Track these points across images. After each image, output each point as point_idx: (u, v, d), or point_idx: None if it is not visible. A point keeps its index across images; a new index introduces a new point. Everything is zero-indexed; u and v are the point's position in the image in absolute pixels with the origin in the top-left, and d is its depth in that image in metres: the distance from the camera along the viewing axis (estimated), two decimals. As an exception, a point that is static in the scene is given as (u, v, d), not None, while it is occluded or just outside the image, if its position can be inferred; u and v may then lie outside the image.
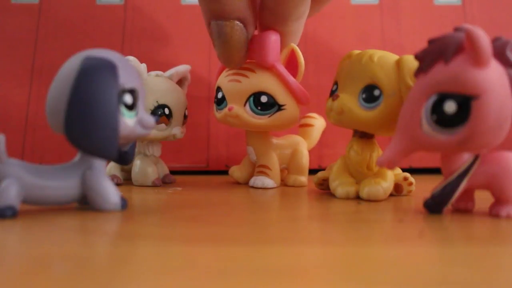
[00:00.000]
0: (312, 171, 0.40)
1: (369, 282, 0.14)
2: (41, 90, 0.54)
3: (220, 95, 0.37)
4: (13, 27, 0.56)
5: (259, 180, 0.37)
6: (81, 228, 0.22)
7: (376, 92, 0.29)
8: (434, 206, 0.23)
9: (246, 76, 0.35)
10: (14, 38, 0.55)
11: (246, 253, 0.17)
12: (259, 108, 0.35)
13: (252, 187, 0.37)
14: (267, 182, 0.37)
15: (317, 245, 0.18)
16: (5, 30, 0.55)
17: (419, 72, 0.23)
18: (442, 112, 0.21)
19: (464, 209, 0.25)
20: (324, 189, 0.36)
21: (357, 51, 0.34)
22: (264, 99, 0.35)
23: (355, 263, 0.16)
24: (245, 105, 0.35)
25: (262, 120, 0.35)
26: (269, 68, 0.35)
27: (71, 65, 0.24)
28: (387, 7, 0.58)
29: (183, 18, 0.57)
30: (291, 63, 0.36)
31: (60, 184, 0.24)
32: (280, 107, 0.35)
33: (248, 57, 0.35)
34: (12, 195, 0.23)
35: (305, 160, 0.40)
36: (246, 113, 0.35)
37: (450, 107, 0.21)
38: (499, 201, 0.23)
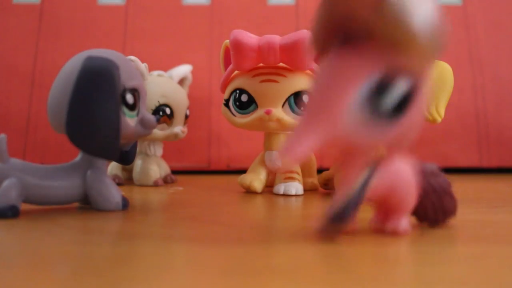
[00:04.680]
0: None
1: (370, 282, 0.14)
2: (43, 90, 0.54)
3: (244, 97, 0.33)
4: (14, 27, 0.56)
5: (291, 187, 0.33)
6: (83, 227, 0.22)
7: None
8: (337, 221, 0.18)
9: (284, 76, 0.32)
10: (15, 38, 0.55)
11: (247, 253, 0.17)
12: (302, 108, 0.32)
13: (283, 194, 0.33)
14: (300, 188, 0.33)
15: (319, 245, 0.18)
16: (7, 30, 0.56)
17: (342, 44, 0.17)
18: (383, 99, 0.16)
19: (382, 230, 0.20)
20: (329, 189, 0.35)
21: None
22: (306, 98, 0.32)
23: (356, 263, 0.16)
24: (282, 106, 0.32)
25: None
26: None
27: (72, 65, 0.24)
28: (388, 7, 0.58)
29: (184, 19, 0.57)
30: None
31: (62, 184, 0.24)
32: None
33: (280, 60, 0.32)
34: (13, 195, 0.23)
35: (314, 162, 0.39)
36: (286, 115, 0.32)
37: (394, 94, 0.16)
38: (392, 213, 0.19)
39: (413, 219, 0.20)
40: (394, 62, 0.16)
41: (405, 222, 0.19)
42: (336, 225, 0.18)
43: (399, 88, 0.16)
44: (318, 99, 0.17)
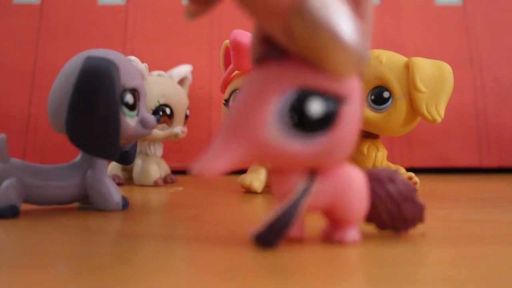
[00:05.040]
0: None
1: (370, 282, 0.14)
2: (43, 91, 0.54)
3: None
4: (14, 27, 0.56)
5: None
6: (83, 227, 0.22)
7: (386, 94, 0.30)
8: (270, 236, 0.17)
9: None
10: (15, 38, 0.55)
11: (247, 253, 0.17)
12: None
13: None
14: None
15: (318, 244, 0.18)
16: (7, 30, 0.56)
17: (262, 58, 0.17)
18: (304, 113, 0.16)
19: (296, 238, 0.19)
20: None
21: None
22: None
23: (356, 262, 0.16)
24: None
25: None
26: None
27: (72, 65, 0.24)
28: (388, 7, 0.58)
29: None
30: None
31: (62, 183, 0.24)
32: None
33: None
34: (13, 195, 0.23)
35: None
36: None
37: (316, 108, 0.16)
38: (341, 223, 0.18)
39: (373, 227, 0.19)
40: (315, 75, 0.16)
41: (354, 232, 0.18)
42: (272, 236, 0.17)
43: (321, 102, 0.16)
44: (237, 113, 0.16)
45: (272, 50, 0.16)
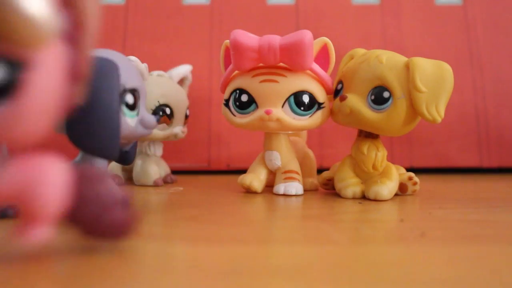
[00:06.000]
0: (313, 171, 0.40)
1: (369, 282, 0.14)
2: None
3: (245, 97, 0.33)
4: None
5: (291, 187, 0.33)
6: (83, 227, 0.22)
7: (386, 94, 0.30)
8: None
9: (284, 76, 0.32)
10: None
11: (248, 253, 0.17)
12: (301, 108, 0.32)
13: (283, 194, 0.33)
14: (300, 188, 0.33)
15: (319, 245, 0.18)
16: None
17: None
18: None
19: None
20: (329, 189, 0.36)
21: (361, 50, 0.34)
22: (306, 98, 0.32)
23: (356, 262, 0.16)
24: (282, 106, 0.32)
25: (303, 121, 0.32)
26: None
27: (72, 65, 0.24)
28: (388, 8, 0.58)
29: (184, 18, 0.57)
30: (322, 57, 0.33)
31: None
32: (320, 106, 0.33)
33: (280, 60, 0.32)
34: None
35: (314, 162, 0.39)
36: (286, 115, 0.32)
37: None
38: (31, 219, 0.16)
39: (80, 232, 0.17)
40: None
41: (41, 231, 0.16)
42: None
43: None
44: None
45: None
